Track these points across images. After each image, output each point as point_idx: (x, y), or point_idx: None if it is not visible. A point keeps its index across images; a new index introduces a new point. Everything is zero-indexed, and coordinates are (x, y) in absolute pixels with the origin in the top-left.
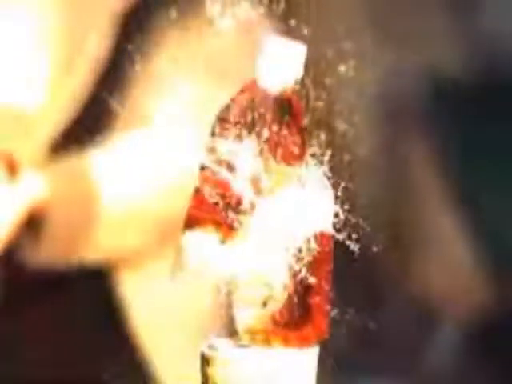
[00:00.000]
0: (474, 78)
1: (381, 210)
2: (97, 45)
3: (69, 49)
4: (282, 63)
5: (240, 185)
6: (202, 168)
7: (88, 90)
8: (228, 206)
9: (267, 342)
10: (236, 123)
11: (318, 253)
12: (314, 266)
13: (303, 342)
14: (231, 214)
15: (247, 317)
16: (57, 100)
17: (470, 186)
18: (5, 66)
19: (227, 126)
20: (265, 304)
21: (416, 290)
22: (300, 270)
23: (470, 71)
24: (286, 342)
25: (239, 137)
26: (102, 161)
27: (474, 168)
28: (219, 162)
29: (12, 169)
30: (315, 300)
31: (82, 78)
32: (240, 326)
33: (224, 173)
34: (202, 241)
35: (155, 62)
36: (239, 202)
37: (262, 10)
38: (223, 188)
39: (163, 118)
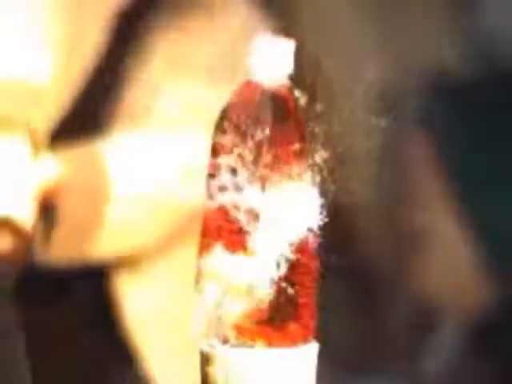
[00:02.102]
0: (474, 77)
1: (380, 209)
2: (95, 42)
3: (71, 36)
4: (272, 60)
5: (247, 195)
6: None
7: (83, 87)
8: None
9: (252, 340)
10: (235, 129)
11: (304, 252)
12: (300, 264)
13: (288, 342)
14: (242, 225)
15: (233, 316)
16: (62, 78)
17: (470, 186)
18: (9, 40)
19: (227, 132)
20: (251, 303)
21: (416, 290)
22: (287, 269)
23: (470, 70)
24: (270, 341)
25: (240, 145)
26: (111, 155)
27: (474, 167)
28: (224, 176)
29: (35, 144)
30: (302, 299)
31: (83, 67)
32: (226, 325)
33: (230, 184)
34: (217, 253)
35: (151, 62)
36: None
37: (258, 10)
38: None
39: (161, 118)
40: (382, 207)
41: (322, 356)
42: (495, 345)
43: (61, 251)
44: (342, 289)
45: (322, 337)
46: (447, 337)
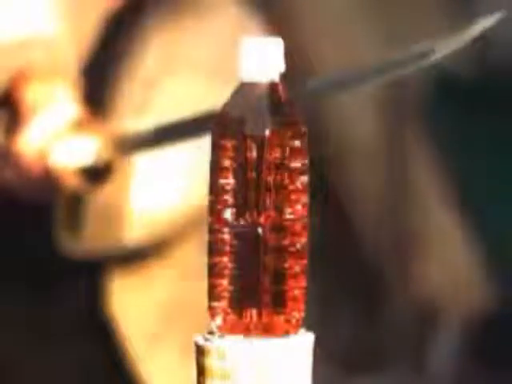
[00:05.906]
0: (474, 76)
1: (380, 210)
2: (89, 38)
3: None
4: (264, 60)
5: (248, 195)
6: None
7: (80, 83)
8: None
9: (237, 332)
10: (234, 131)
11: (295, 248)
12: (288, 257)
13: (272, 333)
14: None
15: (218, 307)
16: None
17: (471, 186)
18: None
19: (226, 134)
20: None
21: (416, 290)
22: (275, 262)
23: (470, 69)
24: (256, 332)
25: (241, 146)
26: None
27: (475, 167)
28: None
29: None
30: (289, 292)
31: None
32: (213, 317)
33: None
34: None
35: (145, 61)
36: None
37: (251, 10)
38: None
39: (158, 114)
40: (381, 207)
41: (322, 356)
42: (495, 345)
43: (92, 238)
44: (341, 288)
45: (321, 336)
46: (447, 337)
